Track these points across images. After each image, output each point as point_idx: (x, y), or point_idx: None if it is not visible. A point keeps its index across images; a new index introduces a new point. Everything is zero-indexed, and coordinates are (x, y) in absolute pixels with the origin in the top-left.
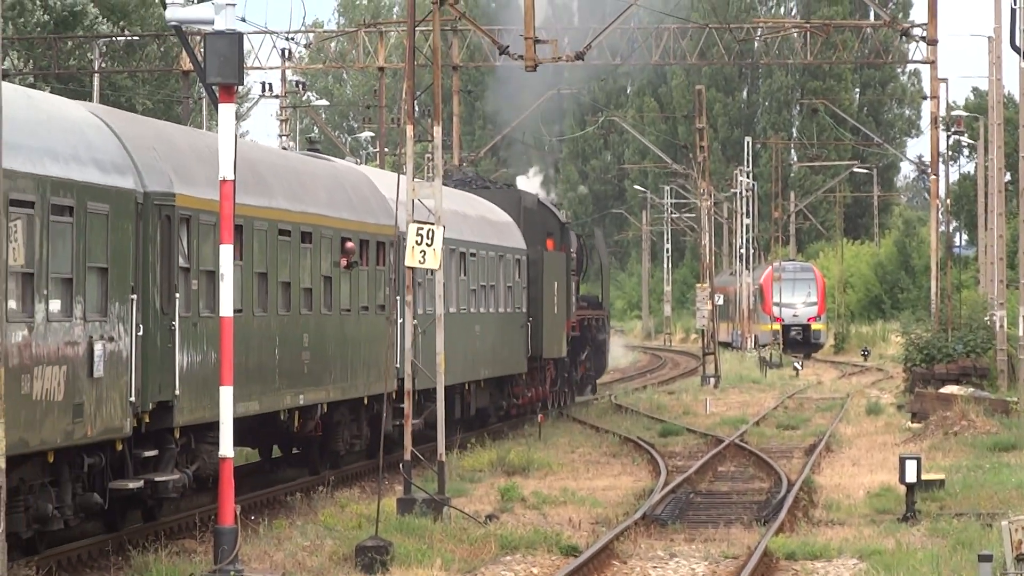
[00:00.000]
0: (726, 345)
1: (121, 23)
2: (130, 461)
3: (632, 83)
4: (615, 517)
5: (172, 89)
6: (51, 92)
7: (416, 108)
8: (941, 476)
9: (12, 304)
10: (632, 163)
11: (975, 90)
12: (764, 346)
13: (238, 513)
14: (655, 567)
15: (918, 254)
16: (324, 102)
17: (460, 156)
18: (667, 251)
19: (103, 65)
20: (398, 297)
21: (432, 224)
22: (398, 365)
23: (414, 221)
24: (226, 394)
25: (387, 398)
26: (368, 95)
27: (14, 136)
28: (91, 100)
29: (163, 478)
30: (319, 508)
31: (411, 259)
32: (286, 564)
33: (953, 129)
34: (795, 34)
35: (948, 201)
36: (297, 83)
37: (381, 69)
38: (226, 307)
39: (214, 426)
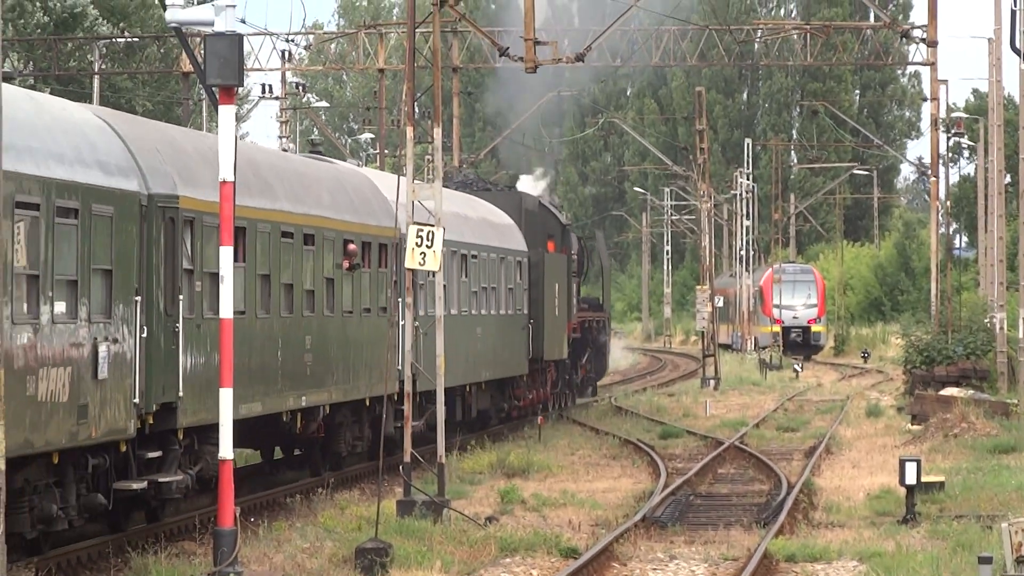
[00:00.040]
0: (726, 347)
1: (121, 24)
2: (134, 462)
3: (632, 85)
4: (615, 519)
5: (172, 91)
6: (51, 94)
7: (416, 110)
8: (941, 478)
9: (18, 306)
10: (632, 165)
11: (975, 92)
12: (764, 348)
13: (238, 515)
14: (655, 569)
15: (918, 256)
16: (324, 104)
17: (460, 158)
18: (667, 253)
19: (103, 67)
20: (399, 299)
21: (432, 226)
22: (400, 367)
23: (414, 223)
24: (226, 396)
25: (387, 400)
26: (368, 97)
27: (20, 139)
28: (91, 102)
29: (167, 479)
30: (319, 510)
31: (411, 261)
32: (286, 566)
33: (953, 131)
34: (795, 36)
35: (948, 203)
36: (297, 85)
37: (381, 71)
38: (226, 309)
39: (217, 427)
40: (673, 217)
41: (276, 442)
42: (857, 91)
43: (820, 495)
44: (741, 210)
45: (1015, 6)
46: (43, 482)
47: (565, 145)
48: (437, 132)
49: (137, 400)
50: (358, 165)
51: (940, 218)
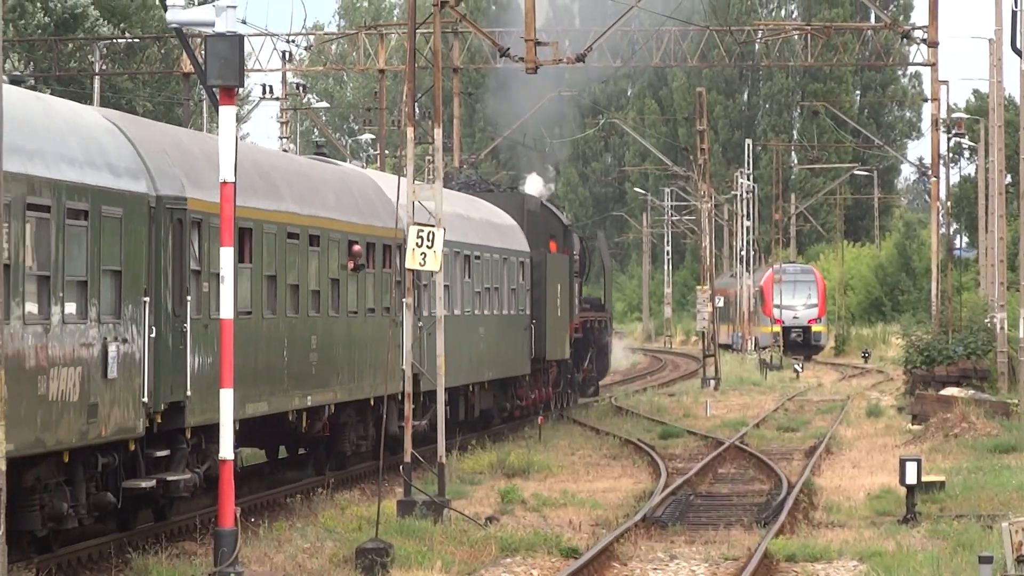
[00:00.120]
0: (726, 347)
1: (122, 25)
2: (142, 461)
3: (633, 85)
4: (615, 519)
5: (173, 91)
6: (51, 94)
7: (416, 110)
8: (941, 478)
9: (29, 306)
10: (632, 165)
11: (976, 92)
12: (764, 348)
13: (238, 515)
14: (655, 569)
15: (918, 256)
16: (324, 104)
17: (460, 158)
18: (667, 253)
19: (103, 67)
20: (403, 300)
21: (432, 226)
22: (403, 367)
23: (414, 223)
24: (226, 396)
25: (387, 400)
26: (368, 97)
27: (31, 141)
28: (91, 103)
29: (175, 478)
30: (319, 510)
31: (412, 261)
32: (286, 566)
33: (954, 131)
34: (796, 36)
35: (948, 203)
36: (297, 85)
37: (382, 71)
38: (226, 309)
39: None
40: (673, 217)
41: (281, 441)
42: (858, 92)
43: (820, 495)
44: (741, 210)
45: (1015, 7)
46: (54, 480)
47: (565, 146)
48: (437, 133)
49: (146, 399)
50: (362, 167)
51: (940, 218)
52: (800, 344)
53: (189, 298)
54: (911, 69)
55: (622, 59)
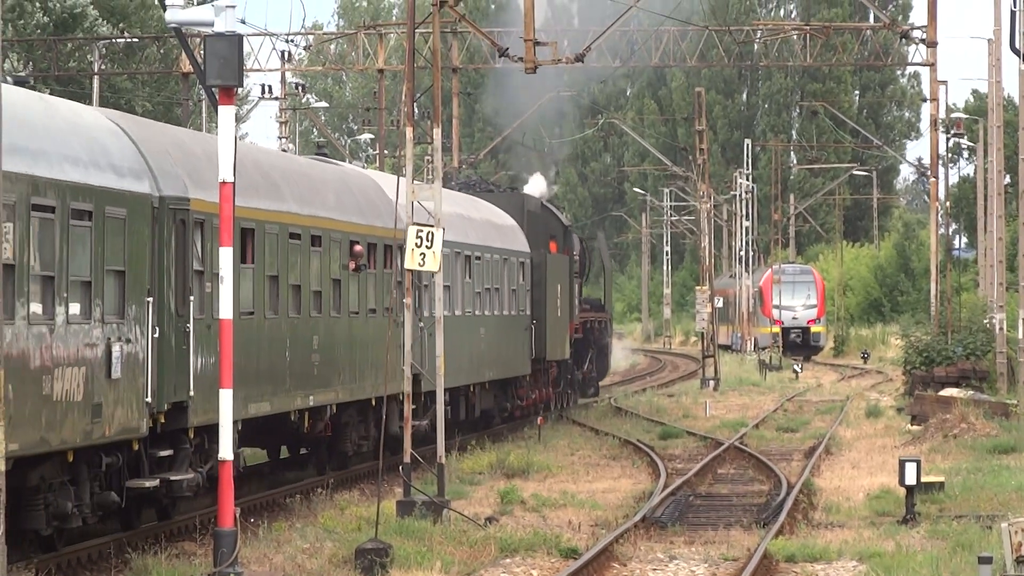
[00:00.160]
0: (726, 348)
1: (121, 25)
2: (146, 460)
3: (632, 85)
4: (615, 519)
5: (172, 91)
6: (50, 94)
7: (416, 110)
8: (941, 478)
9: (34, 307)
10: (632, 165)
11: (975, 92)
12: (764, 349)
13: (238, 515)
14: (655, 569)
15: (918, 257)
16: (324, 104)
17: (460, 158)
18: (666, 254)
19: (103, 67)
20: (403, 300)
21: (431, 226)
22: (404, 367)
23: (414, 223)
24: (225, 396)
25: (387, 400)
26: (368, 97)
27: (35, 142)
28: (90, 102)
29: (178, 477)
30: (319, 510)
31: (411, 261)
32: (286, 566)
33: (953, 131)
34: (795, 36)
35: (948, 204)
36: (297, 85)
37: (381, 71)
38: (226, 309)
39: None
40: (673, 218)
41: (283, 441)
42: (857, 92)
43: (820, 495)
44: (741, 211)
45: (1015, 7)
46: (58, 480)
47: (565, 146)
48: (436, 133)
49: (149, 399)
50: (362, 167)
51: (940, 219)
52: (799, 345)
53: (192, 298)
54: (910, 69)
55: (621, 59)
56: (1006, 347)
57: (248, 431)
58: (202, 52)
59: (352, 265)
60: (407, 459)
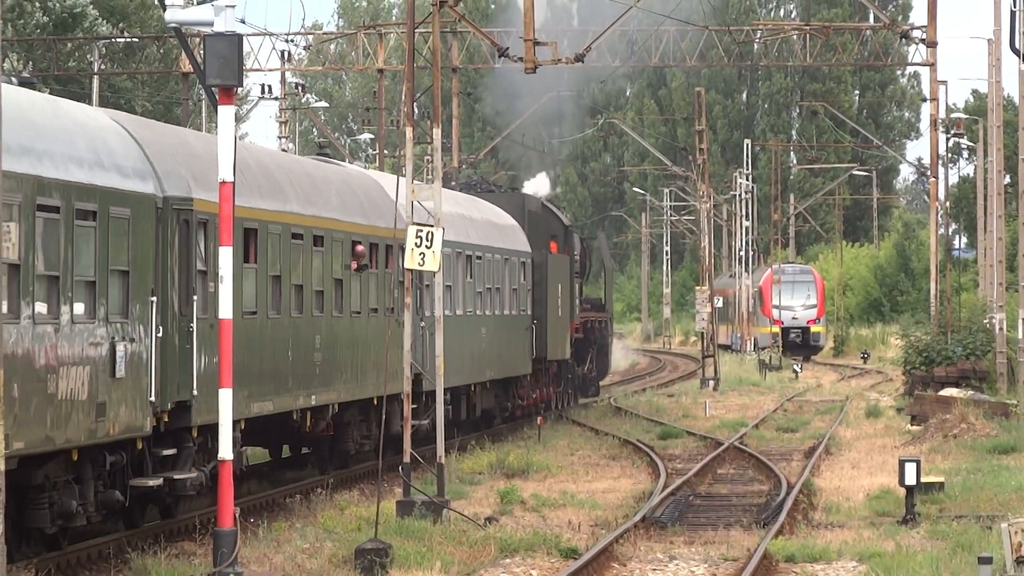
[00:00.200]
0: (725, 348)
1: (120, 25)
2: (149, 459)
3: (632, 85)
4: (615, 519)
5: (172, 91)
6: (50, 94)
7: (415, 110)
8: (941, 479)
9: (39, 306)
10: (632, 165)
11: (975, 92)
12: (763, 349)
13: (237, 515)
14: (654, 569)
15: (917, 257)
16: (323, 104)
17: (459, 158)
18: (666, 253)
19: (102, 67)
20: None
21: (431, 226)
22: (404, 367)
23: (414, 223)
24: (225, 396)
25: (390, 400)
26: (367, 97)
27: (41, 143)
28: (90, 102)
29: (181, 476)
30: (318, 510)
31: (410, 261)
32: (285, 566)
33: (952, 131)
34: (795, 36)
35: (947, 204)
36: (296, 85)
37: (380, 71)
38: (225, 309)
39: (231, 425)
40: (672, 218)
41: (286, 440)
42: (856, 92)
43: (820, 495)
44: (740, 211)
45: (1015, 7)
46: (63, 478)
47: (564, 146)
48: (436, 132)
49: (153, 398)
50: (365, 167)
51: (939, 219)
52: (799, 345)
53: (195, 298)
54: (910, 69)
55: (621, 59)
56: (1006, 347)
57: (251, 430)
58: (202, 52)
59: (354, 265)
60: (407, 459)
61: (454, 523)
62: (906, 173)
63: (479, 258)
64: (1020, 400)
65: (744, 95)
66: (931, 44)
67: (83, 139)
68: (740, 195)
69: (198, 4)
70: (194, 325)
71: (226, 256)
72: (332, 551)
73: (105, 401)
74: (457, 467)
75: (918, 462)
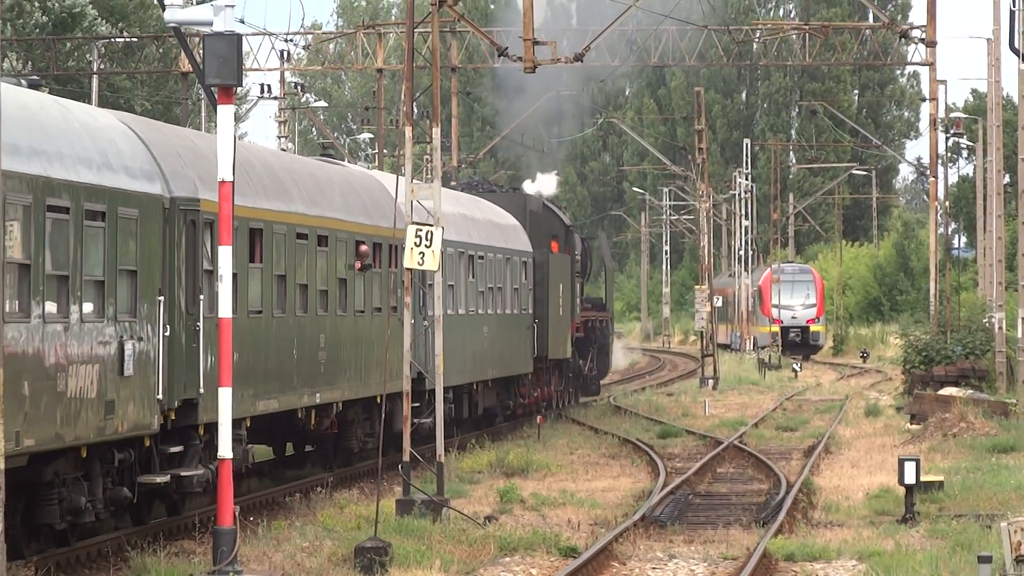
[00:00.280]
0: (725, 347)
1: (120, 24)
2: (157, 456)
3: (631, 85)
4: (614, 518)
5: (171, 90)
6: (49, 94)
7: (415, 110)
8: (940, 478)
9: (49, 306)
10: (631, 165)
11: (974, 92)
12: (763, 348)
13: (237, 514)
14: (654, 568)
15: (917, 256)
16: (323, 104)
17: (459, 158)
18: (666, 253)
19: (102, 66)
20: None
21: (430, 225)
22: (404, 366)
23: (413, 223)
24: (224, 395)
25: (392, 399)
26: (367, 96)
27: (51, 145)
28: (89, 102)
29: (188, 473)
30: (318, 509)
31: (410, 260)
32: (285, 565)
33: (952, 131)
34: (794, 36)
35: (947, 203)
36: (296, 85)
37: (380, 71)
38: (225, 308)
39: (237, 423)
40: (672, 217)
41: (290, 438)
42: (856, 91)
43: (819, 494)
44: (740, 210)
45: (1014, 6)
46: (72, 475)
47: (564, 145)
48: (436, 132)
49: (160, 396)
50: (367, 167)
51: (939, 218)
52: (798, 344)
53: (202, 297)
54: (909, 69)
55: (620, 59)
56: (1005, 346)
57: (256, 428)
58: (201, 51)
59: (358, 265)
60: (406, 458)
61: (454, 522)
62: (905, 173)
63: (481, 258)
64: (1019, 399)
65: (743, 95)
66: (930, 43)
67: (92, 141)
68: (739, 194)
69: (197, 4)
70: (201, 324)
71: (225, 255)
72: (332, 550)
73: (114, 399)
74: (457, 466)
75: (917, 461)
